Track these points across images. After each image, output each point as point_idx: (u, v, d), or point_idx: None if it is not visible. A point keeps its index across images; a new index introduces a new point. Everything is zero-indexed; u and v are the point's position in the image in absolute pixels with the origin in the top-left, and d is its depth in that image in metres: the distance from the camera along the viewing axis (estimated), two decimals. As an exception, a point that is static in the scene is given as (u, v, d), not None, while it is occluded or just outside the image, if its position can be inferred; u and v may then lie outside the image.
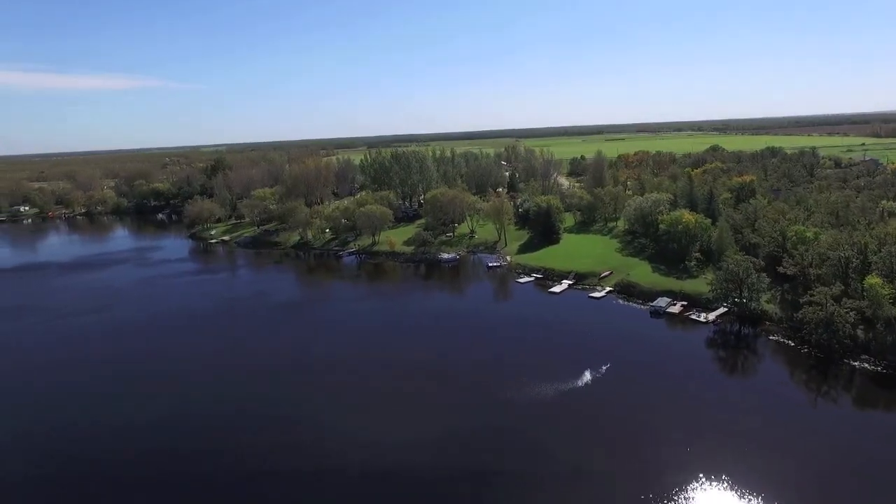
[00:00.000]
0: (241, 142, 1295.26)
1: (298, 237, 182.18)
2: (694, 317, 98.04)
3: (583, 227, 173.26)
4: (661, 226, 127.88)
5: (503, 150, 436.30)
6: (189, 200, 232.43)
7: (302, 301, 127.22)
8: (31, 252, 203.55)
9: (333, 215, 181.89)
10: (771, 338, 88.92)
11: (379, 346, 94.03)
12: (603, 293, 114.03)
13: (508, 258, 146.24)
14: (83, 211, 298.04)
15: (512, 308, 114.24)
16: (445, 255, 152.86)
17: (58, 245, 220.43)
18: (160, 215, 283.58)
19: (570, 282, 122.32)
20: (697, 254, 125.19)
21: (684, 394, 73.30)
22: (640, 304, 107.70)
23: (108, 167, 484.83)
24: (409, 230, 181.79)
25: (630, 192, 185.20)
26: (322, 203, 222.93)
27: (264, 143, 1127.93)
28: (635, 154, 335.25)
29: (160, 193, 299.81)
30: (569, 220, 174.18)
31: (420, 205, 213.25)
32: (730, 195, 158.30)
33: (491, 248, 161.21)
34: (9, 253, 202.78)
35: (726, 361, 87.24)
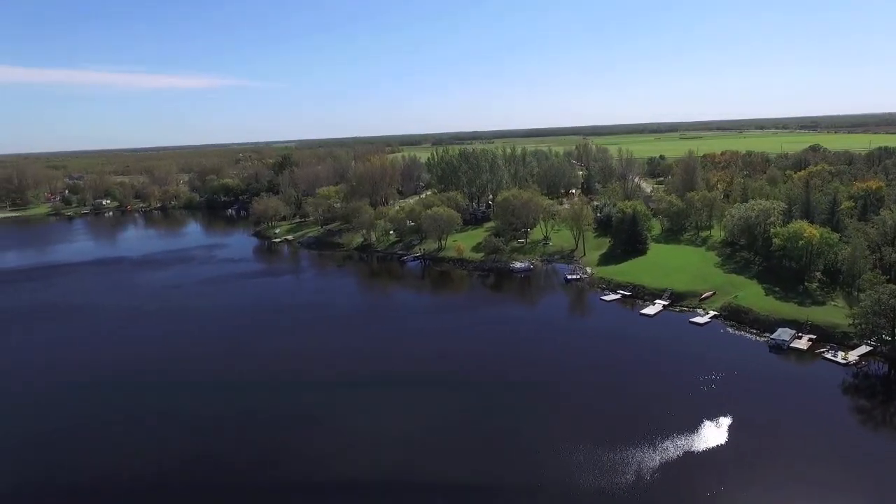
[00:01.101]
0: (313, 138, 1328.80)
1: (362, 239, 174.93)
2: (829, 355, 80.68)
3: (671, 235, 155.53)
4: (776, 240, 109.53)
5: (573, 148, 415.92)
6: (255, 197, 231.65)
7: (361, 311, 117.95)
8: (108, 246, 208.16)
9: (398, 217, 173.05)
10: (938, 390, 70.88)
11: (443, 374, 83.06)
12: (706, 318, 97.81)
13: (589, 270, 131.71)
14: (158, 205, 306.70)
15: (600, 333, 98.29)
16: (518, 265, 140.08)
17: (133, 239, 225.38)
18: (230, 211, 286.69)
19: (665, 302, 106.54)
20: (820, 274, 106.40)
21: (836, 463, 57.60)
22: (755, 334, 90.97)
23: (186, 162, 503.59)
24: (478, 234, 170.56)
25: (721, 196, 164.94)
26: (387, 203, 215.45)
27: (332, 139, 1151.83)
28: (722, 154, 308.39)
29: (230, 189, 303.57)
30: (654, 227, 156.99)
31: (488, 206, 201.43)
32: (853, 204, 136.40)
33: (567, 257, 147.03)
34: (92, 246, 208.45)
35: (873, 415, 70.11)
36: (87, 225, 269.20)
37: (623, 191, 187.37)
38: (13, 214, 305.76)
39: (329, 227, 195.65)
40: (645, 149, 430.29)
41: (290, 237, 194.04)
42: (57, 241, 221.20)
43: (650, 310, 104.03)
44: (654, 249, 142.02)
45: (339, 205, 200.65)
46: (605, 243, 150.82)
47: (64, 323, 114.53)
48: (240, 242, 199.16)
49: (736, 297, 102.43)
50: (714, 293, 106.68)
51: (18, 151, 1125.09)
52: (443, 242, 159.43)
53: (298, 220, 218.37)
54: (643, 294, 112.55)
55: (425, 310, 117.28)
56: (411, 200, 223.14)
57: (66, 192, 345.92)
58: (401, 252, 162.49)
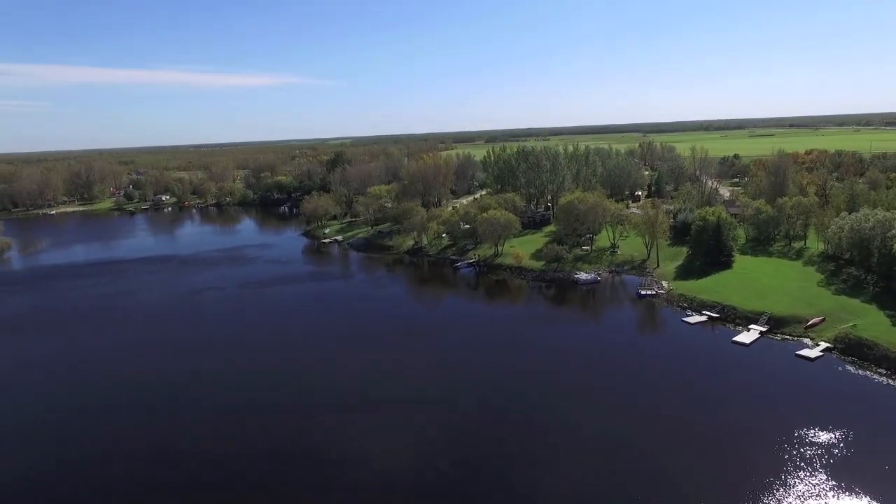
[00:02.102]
0: (368, 135, 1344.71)
1: (413, 241, 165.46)
2: None
3: (757, 246, 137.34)
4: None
5: (636, 146, 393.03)
6: (306, 196, 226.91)
7: (408, 331, 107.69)
8: (161, 243, 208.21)
9: (451, 219, 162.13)
10: None
11: (498, 419, 71.45)
12: (817, 352, 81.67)
13: (665, 284, 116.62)
14: (214, 202, 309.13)
15: (690, 367, 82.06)
16: (583, 276, 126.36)
17: (186, 236, 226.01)
18: (282, 208, 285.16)
19: (762, 328, 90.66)
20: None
21: None
22: (886, 375, 74.42)
23: (244, 158, 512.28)
24: (536, 240, 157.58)
25: (817, 202, 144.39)
26: (440, 203, 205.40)
27: (387, 136, 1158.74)
28: (808, 153, 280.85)
29: (283, 186, 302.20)
30: (739, 236, 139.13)
31: (547, 207, 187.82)
32: None
33: (638, 268, 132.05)
34: (145, 243, 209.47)
35: None
36: (145, 220, 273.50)
37: (700, 194, 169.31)
38: (81, 208, 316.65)
39: (379, 227, 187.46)
40: (713, 147, 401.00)
41: (339, 238, 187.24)
42: (114, 237, 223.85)
43: (744, 337, 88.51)
44: (741, 262, 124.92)
45: (390, 204, 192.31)
46: (681, 253, 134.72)
47: (94, 326, 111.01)
48: (289, 242, 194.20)
49: (854, 325, 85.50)
50: (823, 319, 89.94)
51: (93, 147, 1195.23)
52: (499, 248, 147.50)
53: (349, 219, 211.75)
54: (734, 317, 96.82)
55: (478, 329, 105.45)
56: (465, 201, 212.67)
57: (130, 187, 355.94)
58: (454, 257, 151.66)
